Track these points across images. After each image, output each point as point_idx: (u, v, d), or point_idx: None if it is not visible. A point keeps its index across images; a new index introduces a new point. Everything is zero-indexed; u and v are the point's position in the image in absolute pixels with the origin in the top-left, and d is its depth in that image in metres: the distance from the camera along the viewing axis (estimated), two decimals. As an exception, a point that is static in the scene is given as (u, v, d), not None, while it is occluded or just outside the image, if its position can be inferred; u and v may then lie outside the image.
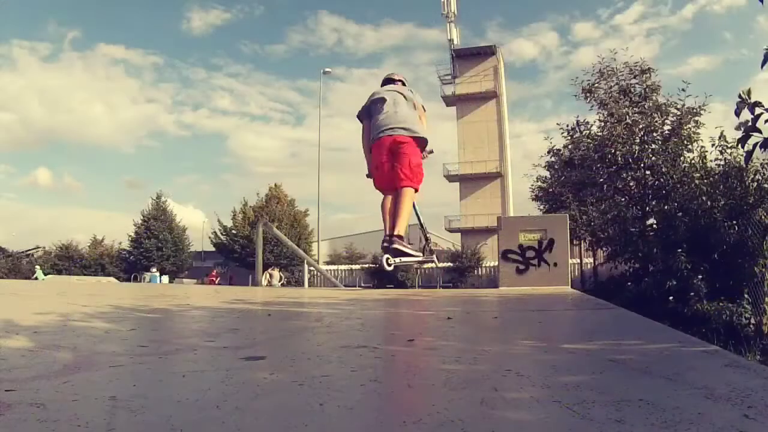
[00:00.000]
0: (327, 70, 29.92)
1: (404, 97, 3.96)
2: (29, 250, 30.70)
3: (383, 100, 3.91)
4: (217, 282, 22.43)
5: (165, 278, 25.28)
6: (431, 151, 4.11)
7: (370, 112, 3.98)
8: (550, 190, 17.07)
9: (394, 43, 63.64)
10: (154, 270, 23.75)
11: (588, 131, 12.62)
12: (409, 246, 3.74)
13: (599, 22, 57.34)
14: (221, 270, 27.08)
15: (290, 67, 66.11)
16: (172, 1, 63.61)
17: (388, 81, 4.28)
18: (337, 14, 72.26)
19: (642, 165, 11.42)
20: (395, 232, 3.66)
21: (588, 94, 12.24)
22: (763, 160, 7.56)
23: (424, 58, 64.41)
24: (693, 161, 10.62)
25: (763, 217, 7.00)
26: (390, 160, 3.78)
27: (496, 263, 5.52)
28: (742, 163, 7.97)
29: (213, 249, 30.23)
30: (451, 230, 36.03)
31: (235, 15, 64.67)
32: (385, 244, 3.71)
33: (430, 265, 4.17)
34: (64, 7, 59.81)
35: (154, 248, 27.40)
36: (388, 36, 63.08)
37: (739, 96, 2.28)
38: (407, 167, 3.69)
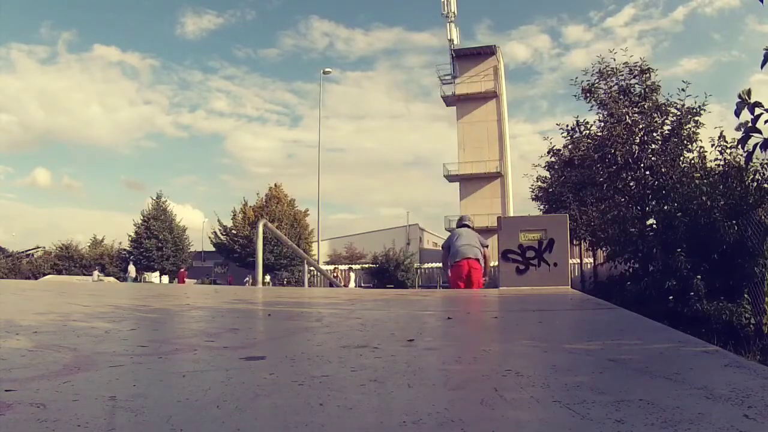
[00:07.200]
0: (327, 70, 29.97)
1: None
2: (29, 250, 30.71)
3: (460, 235, 5.85)
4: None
5: (166, 277, 25.22)
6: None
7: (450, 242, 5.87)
8: (550, 190, 17.07)
9: (384, 46, 64.05)
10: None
11: (588, 131, 12.61)
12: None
13: (590, 25, 57.56)
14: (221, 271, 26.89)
15: (285, 70, 66.47)
16: (165, 6, 64.01)
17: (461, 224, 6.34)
18: (327, 19, 72.64)
19: (642, 165, 11.41)
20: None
21: (588, 95, 12.22)
22: (763, 160, 7.55)
23: (415, 60, 64.76)
24: (693, 161, 10.60)
25: (763, 217, 6.99)
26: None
27: (496, 263, 5.52)
28: (742, 163, 7.97)
29: (213, 249, 30.25)
30: (451, 230, 36.03)
31: (228, 20, 65.16)
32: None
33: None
34: (58, 9, 60.01)
35: (154, 248, 27.44)
36: (378, 39, 63.55)
37: (739, 96, 2.28)
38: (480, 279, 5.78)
